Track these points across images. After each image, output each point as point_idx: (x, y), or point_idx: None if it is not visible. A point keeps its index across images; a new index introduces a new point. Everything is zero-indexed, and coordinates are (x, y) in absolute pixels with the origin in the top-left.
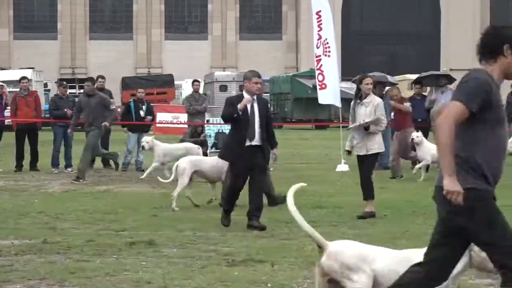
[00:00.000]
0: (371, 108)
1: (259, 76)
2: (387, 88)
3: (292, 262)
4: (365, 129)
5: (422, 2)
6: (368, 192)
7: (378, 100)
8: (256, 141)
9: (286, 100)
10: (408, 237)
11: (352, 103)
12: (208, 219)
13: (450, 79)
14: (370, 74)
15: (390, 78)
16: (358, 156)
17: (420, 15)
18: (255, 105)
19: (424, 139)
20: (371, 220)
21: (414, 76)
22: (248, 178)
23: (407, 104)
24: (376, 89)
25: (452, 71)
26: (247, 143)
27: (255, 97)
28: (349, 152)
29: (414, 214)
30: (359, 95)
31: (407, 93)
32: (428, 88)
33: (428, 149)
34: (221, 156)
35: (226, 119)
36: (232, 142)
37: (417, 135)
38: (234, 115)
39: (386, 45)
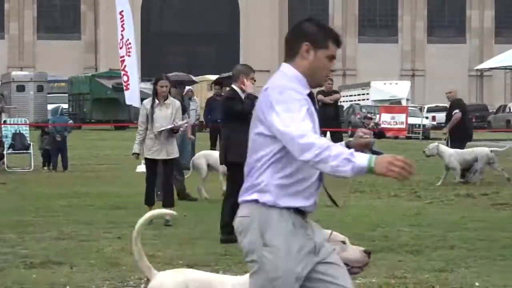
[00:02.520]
0: (171, 111)
1: (254, 71)
2: (187, 88)
3: (91, 264)
4: (174, 132)
5: (221, 2)
6: (169, 199)
7: (178, 103)
8: None
9: (85, 100)
10: (209, 238)
11: (146, 102)
12: (4, 221)
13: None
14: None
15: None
16: (152, 160)
17: (219, 15)
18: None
19: None
20: (172, 221)
21: (214, 77)
22: None
23: None
24: (177, 89)
25: None
26: None
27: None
28: (138, 155)
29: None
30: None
31: (208, 94)
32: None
33: None
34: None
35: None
36: (244, 142)
37: None
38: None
39: (186, 45)
